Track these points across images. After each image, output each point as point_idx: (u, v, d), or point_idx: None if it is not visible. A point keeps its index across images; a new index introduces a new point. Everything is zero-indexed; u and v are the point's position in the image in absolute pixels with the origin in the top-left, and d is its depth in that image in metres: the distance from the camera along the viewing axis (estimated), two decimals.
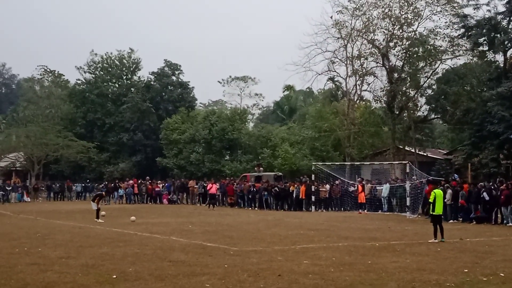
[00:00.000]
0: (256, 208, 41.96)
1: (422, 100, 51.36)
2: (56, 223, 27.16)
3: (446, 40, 47.18)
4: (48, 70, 79.89)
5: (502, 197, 27.63)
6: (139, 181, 52.43)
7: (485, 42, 44.10)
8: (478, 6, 44.06)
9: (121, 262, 14.08)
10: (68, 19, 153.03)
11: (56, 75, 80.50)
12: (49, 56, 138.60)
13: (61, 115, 73.30)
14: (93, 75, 76.51)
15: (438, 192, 19.83)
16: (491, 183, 31.12)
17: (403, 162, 39.56)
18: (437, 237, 19.16)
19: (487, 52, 44.99)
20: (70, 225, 25.71)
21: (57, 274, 12.35)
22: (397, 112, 50.10)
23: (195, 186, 48.17)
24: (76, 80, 78.20)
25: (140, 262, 13.98)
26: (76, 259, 14.62)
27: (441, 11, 47.29)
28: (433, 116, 53.46)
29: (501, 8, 43.30)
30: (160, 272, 12.58)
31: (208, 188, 43.52)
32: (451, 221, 28.82)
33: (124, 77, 77.64)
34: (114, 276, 12.02)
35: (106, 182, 56.44)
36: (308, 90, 79.40)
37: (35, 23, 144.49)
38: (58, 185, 56.16)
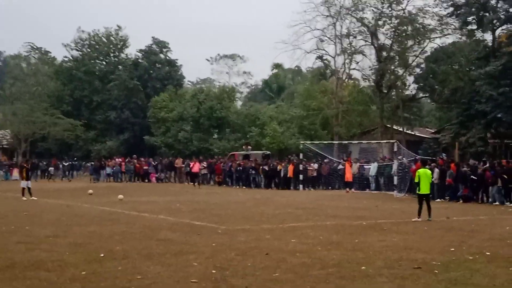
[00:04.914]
0: (244, 187, 42.01)
1: (411, 79, 51.50)
2: (43, 201, 27.07)
3: (435, 19, 47.12)
4: (34, 47, 79.27)
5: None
6: (127, 160, 52.29)
7: (473, 21, 44.07)
8: None
9: (109, 240, 14.07)
10: None
11: (42, 52, 79.86)
12: (35, 33, 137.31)
13: (48, 92, 72.63)
14: (80, 53, 75.84)
15: (422, 171, 19.79)
16: (481, 163, 31.11)
17: (391, 141, 39.67)
18: (420, 216, 19.21)
19: (475, 31, 44.94)
20: (58, 204, 25.65)
21: (45, 252, 12.32)
22: (386, 91, 50.15)
23: (182, 165, 48.10)
24: (63, 57, 77.67)
25: (127, 241, 13.97)
26: (64, 237, 14.60)
27: None
28: (421, 95, 53.57)
29: None
30: (148, 250, 12.57)
31: (191, 167, 43.46)
32: (438, 200, 28.99)
33: (112, 55, 77.01)
34: (102, 255, 12.00)
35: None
36: (296, 68, 79.28)
37: None
38: (45, 163, 55.89)
